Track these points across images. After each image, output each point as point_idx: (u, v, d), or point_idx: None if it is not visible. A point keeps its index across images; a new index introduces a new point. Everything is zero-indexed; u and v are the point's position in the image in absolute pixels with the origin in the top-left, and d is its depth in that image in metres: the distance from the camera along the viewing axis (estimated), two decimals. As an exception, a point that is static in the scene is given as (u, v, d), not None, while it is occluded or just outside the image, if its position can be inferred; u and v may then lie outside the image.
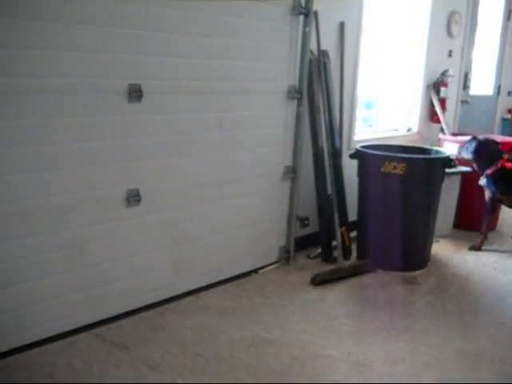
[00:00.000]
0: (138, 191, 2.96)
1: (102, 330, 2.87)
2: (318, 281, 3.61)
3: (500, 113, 6.96)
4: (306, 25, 3.70)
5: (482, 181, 4.36)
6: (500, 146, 4.49)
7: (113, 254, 2.93)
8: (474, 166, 4.46)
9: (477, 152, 4.38)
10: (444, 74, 5.49)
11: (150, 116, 2.95)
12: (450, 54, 5.69)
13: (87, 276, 2.84)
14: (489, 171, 4.30)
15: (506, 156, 4.29)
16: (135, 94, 2.82)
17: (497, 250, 4.49)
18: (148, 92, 2.87)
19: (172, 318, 3.05)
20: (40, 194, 2.58)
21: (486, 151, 4.37)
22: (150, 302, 3.14)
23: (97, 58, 2.66)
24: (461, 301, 3.49)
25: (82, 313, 2.85)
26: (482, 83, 6.67)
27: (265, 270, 3.82)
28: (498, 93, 6.89)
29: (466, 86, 6.12)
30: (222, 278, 3.54)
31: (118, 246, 2.94)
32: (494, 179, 4.31)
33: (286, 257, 3.97)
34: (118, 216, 2.92)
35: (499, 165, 4.25)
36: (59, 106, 2.57)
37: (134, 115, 2.86)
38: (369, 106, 5.24)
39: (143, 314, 3.06)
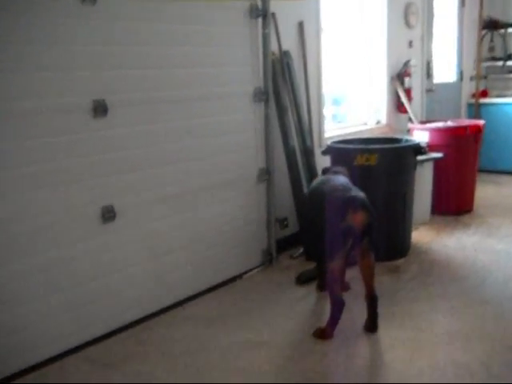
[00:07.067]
0: (112, 207, 2.92)
1: (90, 351, 2.82)
2: (303, 279, 3.61)
3: (465, 98, 7.06)
4: (264, 27, 3.72)
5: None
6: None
7: (93, 273, 2.89)
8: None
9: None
10: (406, 64, 5.56)
11: (117, 130, 2.93)
12: (410, 44, 5.77)
13: (70, 298, 2.79)
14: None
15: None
16: (100, 109, 2.80)
17: (475, 232, 4.55)
18: (113, 106, 2.85)
19: (159, 331, 3.02)
20: (14, 217, 2.54)
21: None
22: (135, 318, 3.09)
23: (59, 76, 2.64)
24: (444, 284, 3.51)
25: (68, 336, 2.80)
26: (445, 70, 6.77)
27: (249, 274, 3.81)
28: (461, 79, 7.00)
29: (429, 75, 6.21)
30: (206, 286, 3.52)
31: (97, 264, 2.90)
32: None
33: (269, 259, 3.96)
34: (95, 234, 2.88)
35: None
36: (26, 128, 2.54)
37: (100, 131, 2.84)
38: (337, 102, 5.29)
39: (130, 331, 3.02)
